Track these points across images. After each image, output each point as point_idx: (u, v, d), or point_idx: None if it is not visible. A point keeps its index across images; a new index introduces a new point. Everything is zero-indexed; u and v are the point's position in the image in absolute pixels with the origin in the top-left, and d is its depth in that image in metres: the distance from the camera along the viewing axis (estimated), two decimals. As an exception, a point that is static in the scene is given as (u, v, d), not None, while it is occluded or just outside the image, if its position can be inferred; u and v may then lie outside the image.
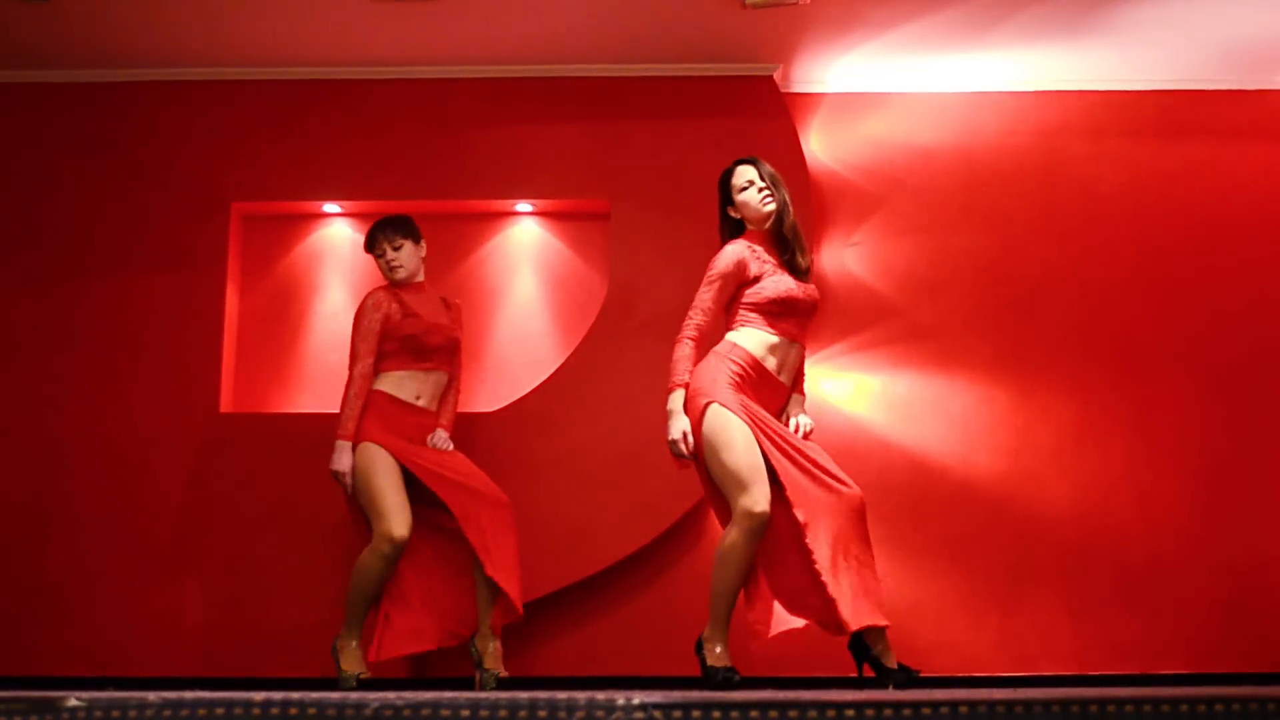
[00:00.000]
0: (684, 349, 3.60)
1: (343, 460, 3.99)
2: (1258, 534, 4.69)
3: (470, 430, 4.37)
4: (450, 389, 4.26)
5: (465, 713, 2.08)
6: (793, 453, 3.56)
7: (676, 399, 3.57)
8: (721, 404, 3.51)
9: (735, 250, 3.66)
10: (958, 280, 4.88)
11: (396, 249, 4.17)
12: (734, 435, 3.49)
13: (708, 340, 3.65)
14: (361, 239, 4.96)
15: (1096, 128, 5.00)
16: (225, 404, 4.77)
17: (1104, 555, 4.67)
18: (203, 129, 4.91)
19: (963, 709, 2.08)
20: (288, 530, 4.59)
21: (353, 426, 4.01)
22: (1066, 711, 2.09)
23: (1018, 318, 4.85)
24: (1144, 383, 4.80)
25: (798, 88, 5.01)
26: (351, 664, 3.99)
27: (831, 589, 3.44)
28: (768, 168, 3.74)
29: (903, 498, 4.71)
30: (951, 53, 4.82)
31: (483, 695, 2.17)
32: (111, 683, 4.36)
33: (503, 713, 2.07)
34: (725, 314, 3.71)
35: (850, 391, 4.80)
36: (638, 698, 2.10)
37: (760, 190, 3.68)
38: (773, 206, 3.68)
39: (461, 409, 4.38)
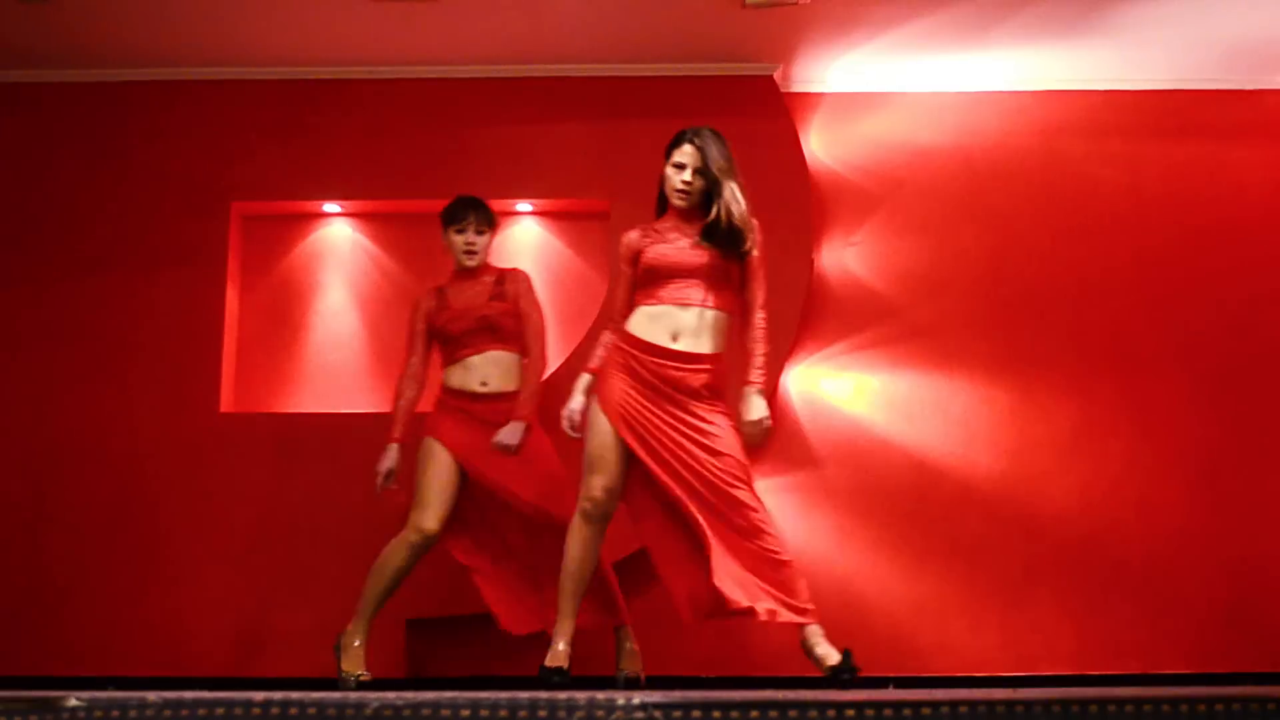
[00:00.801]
0: (602, 337, 3.80)
1: (386, 460, 4.08)
2: (1258, 533, 4.69)
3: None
4: (527, 370, 4.14)
5: (465, 713, 2.08)
6: (667, 457, 3.61)
7: (580, 380, 3.77)
8: (599, 400, 3.69)
9: (625, 236, 3.81)
10: (958, 280, 4.88)
11: (480, 234, 4.17)
12: (594, 427, 3.67)
13: None
14: (361, 238, 4.99)
15: (1096, 127, 5.00)
16: (225, 404, 4.77)
17: (1104, 554, 4.67)
18: (203, 129, 4.91)
19: (963, 709, 2.09)
20: (288, 530, 4.59)
21: (397, 431, 4.10)
22: (1067, 711, 2.09)
23: (1018, 317, 4.85)
24: (1144, 382, 4.80)
25: (798, 87, 5.01)
26: (353, 664, 3.97)
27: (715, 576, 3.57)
28: (716, 154, 3.67)
29: (903, 498, 4.71)
30: (951, 52, 4.82)
31: (483, 695, 2.17)
32: (111, 682, 4.36)
33: (503, 712, 2.07)
34: None
35: (850, 391, 4.80)
36: (638, 697, 2.10)
37: (683, 183, 3.70)
38: (681, 203, 3.72)
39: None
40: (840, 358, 4.82)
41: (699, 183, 3.67)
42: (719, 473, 3.58)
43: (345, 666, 3.97)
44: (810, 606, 3.59)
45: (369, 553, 4.53)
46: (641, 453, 3.61)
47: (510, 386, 4.11)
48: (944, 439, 4.77)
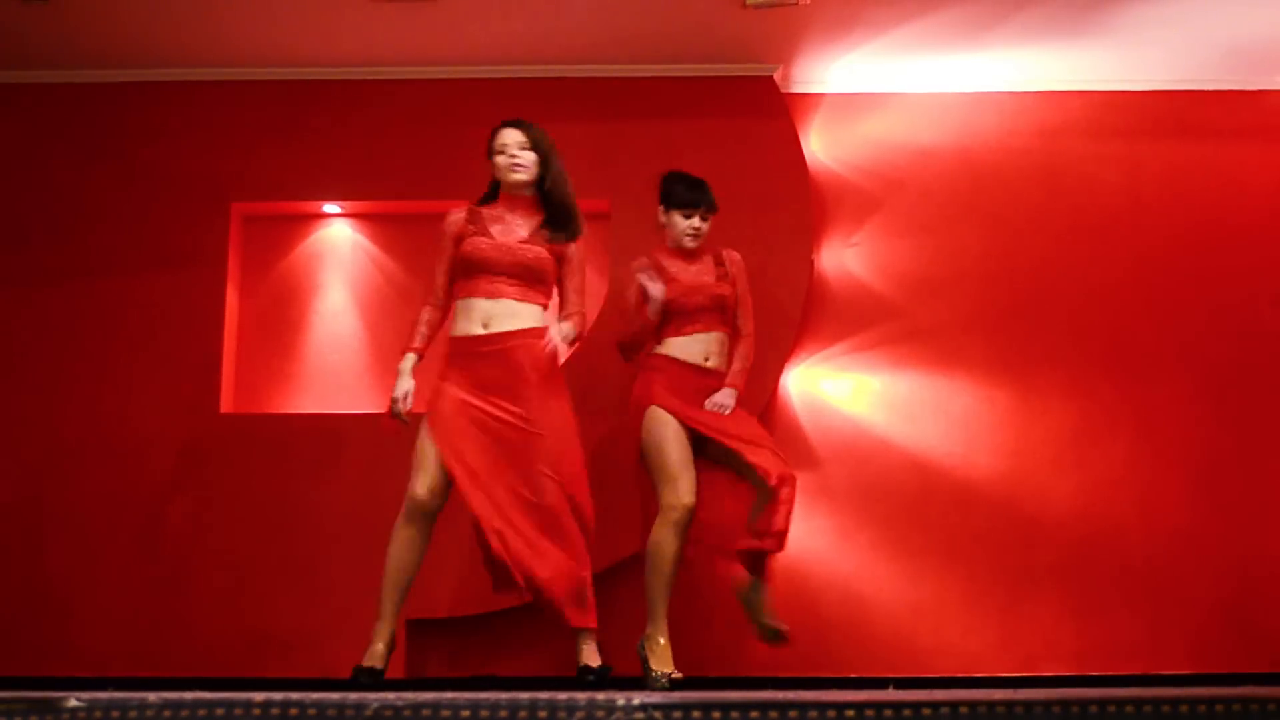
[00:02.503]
0: (420, 314, 3.89)
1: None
2: (1258, 533, 4.69)
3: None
4: (744, 345, 4.20)
5: (465, 713, 2.08)
6: (468, 443, 3.70)
7: (404, 361, 3.85)
8: (433, 392, 3.79)
9: (451, 215, 3.91)
10: (958, 280, 4.88)
11: (705, 219, 4.18)
12: (428, 423, 3.76)
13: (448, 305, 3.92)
14: (362, 239, 4.99)
15: (1097, 128, 5.00)
16: (225, 404, 4.77)
17: (1105, 555, 4.67)
18: (203, 129, 4.91)
19: (963, 709, 2.09)
20: (288, 530, 4.59)
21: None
22: (1067, 711, 2.09)
23: (1018, 318, 4.85)
24: (1144, 382, 4.80)
25: (798, 88, 5.01)
26: (661, 662, 3.87)
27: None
28: (538, 133, 3.90)
29: (903, 498, 4.71)
30: (952, 53, 4.82)
31: (483, 695, 2.17)
32: (111, 683, 4.35)
33: (503, 713, 2.07)
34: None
35: (850, 392, 4.80)
36: (638, 698, 2.10)
37: (513, 158, 3.87)
38: (520, 176, 3.86)
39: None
40: (840, 358, 4.82)
41: (530, 155, 3.86)
42: (537, 464, 3.70)
43: (655, 665, 3.87)
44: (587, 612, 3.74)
45: (369, 553, 4.53)
46: (448, 455, 3.69)
47: (724, 366, 4.16)
48: (944, 440, 4.77)
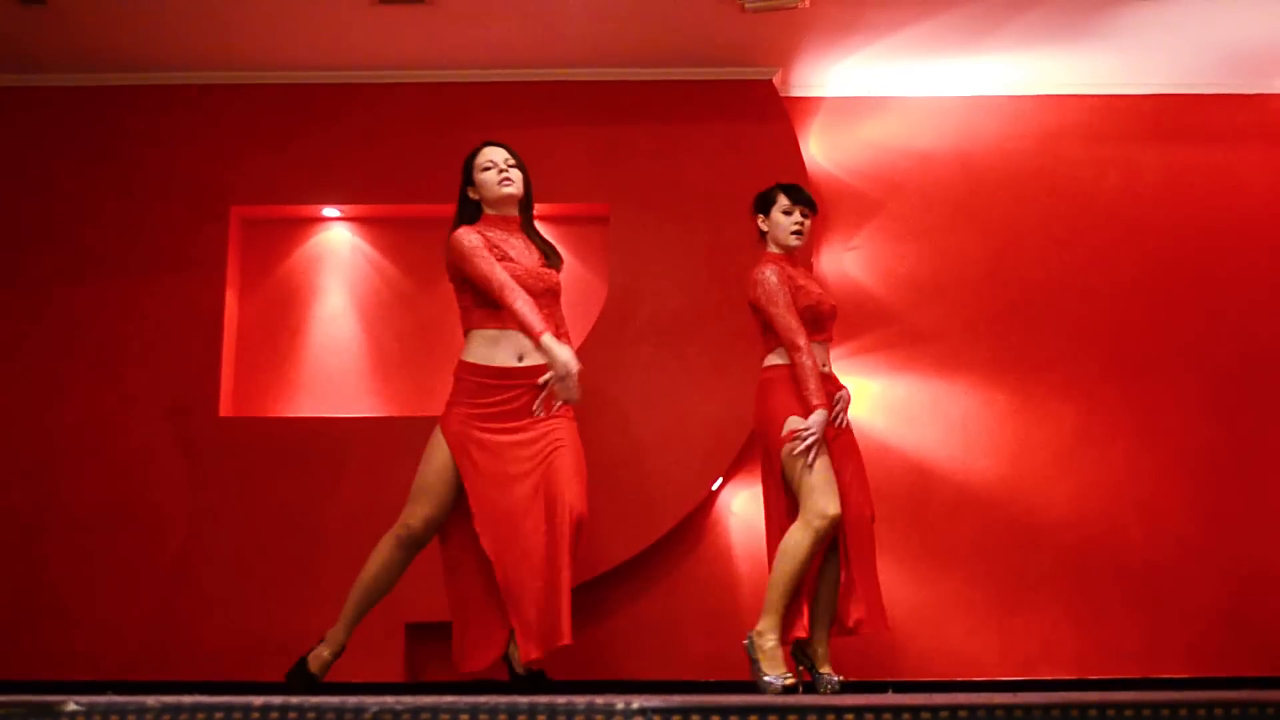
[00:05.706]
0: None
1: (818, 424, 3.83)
2: (1258, 538, 4.69)
3: (470, 434, 4.36)
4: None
5: (464, 717, 2.07)
6: (476, 470, 3.60)
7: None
8: (444, 423, 3.66)
9: (469, 237, 3.67)
10: (958, 284, 4.88)
11: (806, 217, 4.03)
12: (429, 455, 3.67)
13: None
14: (361, 243, 4.99)
15: (1096, 132, 5.00)
16: (225, 408, 4.77)
17: (1104, 559, 4.67)
18: (202, 133, 4.91)
19: (962, 713, 2.08)
20: (287, 534, 4.59)
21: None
22: (1067, 715, 2.09)
23: (1018, 322, 4.86)
24: (1144, 387, 4.80)
25: (797, 92, 5.01)
26: (772, 665, 3.69)
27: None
28: (517, 156, 3.81)
29: (903, 502, 4.71)
30: (951, 57, 4.83)
31: (482, 699, 2.16)
32: (110, 687, 4.34)
33: (502, 716, 2.07)
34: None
35: (850, 395, 4.79)
36: (637, 702, 2.09)
37: (503, 175, 3.75)
38: (511, 190, 3.75)
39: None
40: (840, 362, 4.81)
41: (518, 173, 3.77)
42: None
43: (765, 668, 3.70)
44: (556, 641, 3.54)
45: (367, 558, 4.53)
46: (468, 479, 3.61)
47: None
48: (944, 443, 4.77)
